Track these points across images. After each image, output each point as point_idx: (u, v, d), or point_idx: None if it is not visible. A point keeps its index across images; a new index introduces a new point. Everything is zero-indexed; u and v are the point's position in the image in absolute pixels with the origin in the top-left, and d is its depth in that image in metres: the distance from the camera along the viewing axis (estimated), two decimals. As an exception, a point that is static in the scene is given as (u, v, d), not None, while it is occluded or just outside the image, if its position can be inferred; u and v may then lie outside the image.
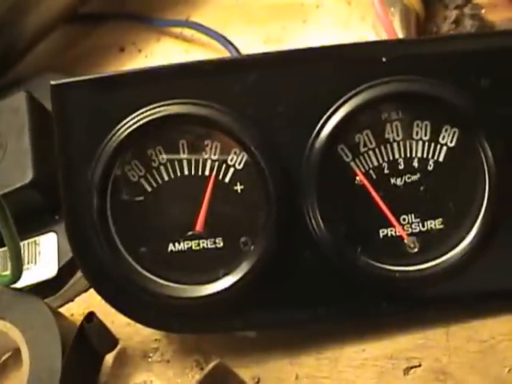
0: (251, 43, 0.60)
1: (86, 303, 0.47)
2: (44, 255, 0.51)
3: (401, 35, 0.54)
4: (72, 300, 0.49)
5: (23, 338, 0.42)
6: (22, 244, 0.52)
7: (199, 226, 0.38)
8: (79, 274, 0.51)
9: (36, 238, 0.52)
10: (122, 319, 0.43)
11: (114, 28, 0.65)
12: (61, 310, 0.47)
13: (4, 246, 0.53)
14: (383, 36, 0.54)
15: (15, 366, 0.46)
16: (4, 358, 0.46)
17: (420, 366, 0.38)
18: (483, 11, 0.58)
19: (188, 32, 0.62)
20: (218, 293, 0.37)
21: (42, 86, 0.60)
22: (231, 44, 0.57)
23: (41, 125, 0.55)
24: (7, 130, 0.53)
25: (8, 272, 0.50)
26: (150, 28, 0.64)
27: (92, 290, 0.48)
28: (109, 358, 0.43)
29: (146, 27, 0.64)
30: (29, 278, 0.49)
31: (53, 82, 0.39)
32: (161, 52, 0.63)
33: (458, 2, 0.58)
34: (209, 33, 0.60)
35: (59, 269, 0.50)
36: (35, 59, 0.63)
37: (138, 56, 0.63)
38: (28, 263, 0.50)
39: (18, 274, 0.42)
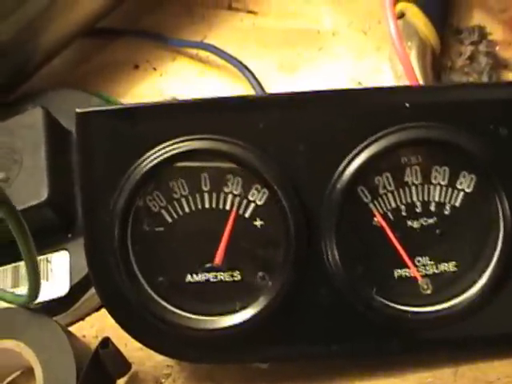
0: (266, 68, 0.61)
1: (99, 324, 0.48)
2: (56, 273, 0.52)
3: (417, 69, 0.55)
4: (82, 319, 0.50)
5: (37, 360, 0.43)
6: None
7: (218, 259, 0.39)
8: (90, 292, 0.52)
9: (48, 256, 0.52)
10: (135, 343, 0.44)
11: (129, 44, 0.66)
12: (72, 329, 0.48)
13: (14, 261, 0.55)
14: (399, 69, 0.56)
15: None
16: (15, 375, 0.48)
17: None
18: (497, 48, 0.60)
19: (204, 53, 0.63)
20: (235, 326, 0.39)
21: (56, 101, 0.61)
22: (247, 68, 0.58)
23: (56, 142, 0.56)
24: (23, 146, 0.54)
25: (22, 291, 0.51)
26: (166, 47, 0.65)
27: (104, 311, 0.49)
28: (120, 382, 0.44)
29: (161, 45, 0.65)
30: (40, 295, 0.50)
31: (78, 110, 0.40)
32: (175, 71, 0.64)
33: (473, 39, 0.60)
34: (224, 56, 0.61)
35: (71, 287, 0.51)
36: (49, 72, 0.64)
37: (153, 74, 0.64)
38: (43, 279, 0.51)
39: (34, 294, 0.43)
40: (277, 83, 0.60)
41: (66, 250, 0.52)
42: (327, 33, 0.63)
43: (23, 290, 0.52)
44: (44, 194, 0.51)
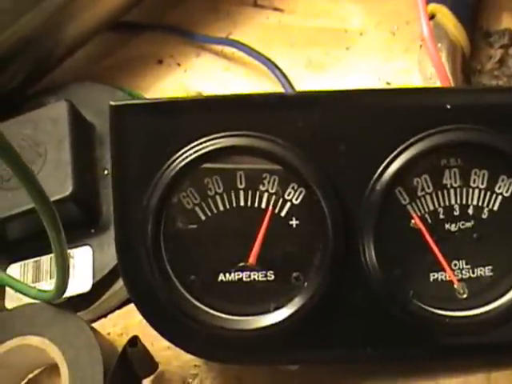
0: (292, 66, 0.62)
1: (123, 322, 0.47)
2: (78, 268, 0.52)
3: (448, 70, 0.55)
4: (105, 316, 0.50)
5: (63, 357, 0.42)
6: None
7: (252, 259, 0.39)
8: (113, 289, 0.52)
9: (70, 251, 0.52)
10: (161, 342, 0.44)
11: (153, 39, 0.67)
12: (94, 326, 0.48)
13: (33, 257, 0.55)
14: (429, 71, 0.56)
15: (48, 382, 0.47)
16: (37, 372, 0.48)
17: None
18: None
19: (229, 50, 0.64)
20: (268, 327, 0.38)
21: (79, 94, 0.61)
22: (276, 66, 0.59)
23: (80, 135, 0.56)
24: (47, 140, 0.54)
25: (43, 286, 0.50)
26: (190, 42, 0.66)
27: (128, 309, 0.49)
28: (146, 382, 0.44)
29: (185, 41, 0.66)
30: (63, 291, 0.50)
31: (112, 103, 0.39)
32: (200, 67, 0.64)
33: (503, 42, 0.61)
34: (250, 53, 0.62)
35: (93, 283, 0.51)
36: (72, 65, 0.64)
37: (177, 69, 0.65)
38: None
39: (61, 292, 0.43)
40: (304, 82, 0.61)
41: (89, 245, 0.52)
42: (355, 32, 0.64)
43: (45, 284, 0.53)
44: (68, 189, 0.51)
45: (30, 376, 0.47)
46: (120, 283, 0.52)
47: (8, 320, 0.45)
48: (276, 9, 0.67)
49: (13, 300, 0.51)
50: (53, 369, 0.46)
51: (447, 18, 0.58)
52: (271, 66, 0.59)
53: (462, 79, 0.56)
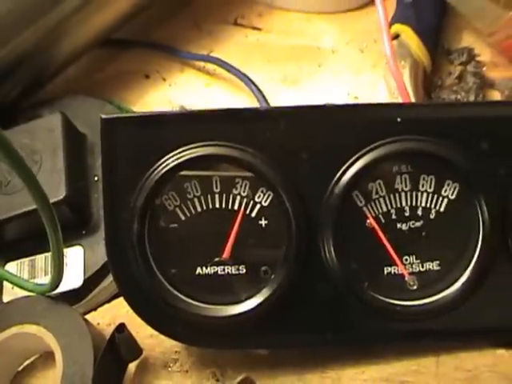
0: (269, 81, 0.67)
1: (111, 314, 0.52)
2: (70, 266, 0.57)
3: (409, 86, 0.61)
4: (95, 309, 0.54)
5: (57, 344, 0.47)
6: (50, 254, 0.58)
7: (226, 254, 0.44)
8: (102, 285, 0.57)
9: (63, 250, 0.57)
10: (145, 331, 0.49)
11: (140, 55, 0.72)
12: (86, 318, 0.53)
13: (28, 256, 0.59)
14: (393, 85, 0.61)
15: (43, 367, 0.51)
16: (33, 358, 0.52)
17: None
18: (484, 69, 0.66)
19: (210, 66, 0.69)
20: (240, 314, 0.43)
21: (72, 106, 0.65)
22: (252, 82, 0.64)
23: (73, 145, 0.61)
24: (42, 148, 0.59)
25: (43, 281, 0.55)
26: (175, 58, 0.70)
27: (116, 302, 0.54)
28: (132, 366, 0.48)
29: (170, 57, 0.71)
30: (56, 286, 0.55)
31: (103, 116, 0.45)
32: (183, 82, 0.69)
33: (462, 59, 0.66)
34: (230, 69, 0.66)
35: (84, 280, 0.56)
36: (64, 79, 0.69)
37: (162, 84, 0.69)
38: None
39: (56, 284, 0.48)
40: (279, 96, 0.65)
41: (80, 245, 0.57)
42: (327, 50, 0.69)
43: (40, 281, 0.57)
44: (62, 193, 0.56)
45: (27, 362, 0.52)
46: (108, 279, 0.56)
47: (6, 310, 0.50)
48: (254, 28, 0.72)
49: (10, 295, 0.55)
50: (47, 355, 0.51)
51: (411, 38, 0.64)
52: (248, 81, 0.64)
53: (423, 94, 0.62)
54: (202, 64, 0.70)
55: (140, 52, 0.72)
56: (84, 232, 0.57)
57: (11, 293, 0.56)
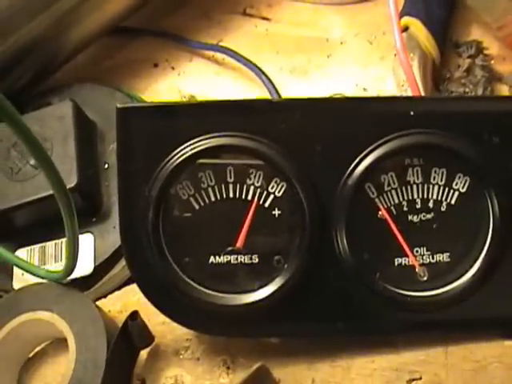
0: (278, 71, 0.68)
1: (122, 302, 0.53)
2: (81, 253, 0.57)
3: (418, 79, 0.61)
4: (104, 296, 0.55)
5: (70, 330, 0.48)
6: (61, 241, 0.59)
7: (239, 243, 0.45)
8: (112, 272, 0.58)
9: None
10: (157, 318, 0.50)
11: (150, 44, 0.72)
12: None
13: (39, 243, 0.60)
14: (401, 78, 0.62)
15: (54, 353, 0.53)
16: (44, 344, 0.53)
17: (421, 378, 0.45)
18: (493, 62, 0.66)
19: (219, 55, 0.69)
20: (252, 303, 0.44)
21: (81, 94, 0.66)
22: (262, 72, 0.64)
23: (84, 132, 0.61)
24: (53, 136, 0.59)
25: (53, 268, 0.56)
26: (184, 48, 0.71)
27: (126, 290, 0.55)
28: (143, 353, 0.49)
29: (179, 46, 0.71)
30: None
31: (119, 106, 0.45)
32: (193, 71, 0.70)
33: (470, 52, 0.65)
34: (239, 59, 0.67)
35: (95, 267, 0.57)
36: (73, 67, 0.70)
37: (171, 73, 0.70)
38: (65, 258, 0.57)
39: (70, 271, 0.49)
40: (288, 87, 0.66)
41: (90, 232, 0.58)
42: (335, 41, 0.69)
43: (50, 268, 0.58)
44: (73, 180, 0.56)
45: (38, 349, 0.53)
46: (118, 267, 0.57)
47: (19, 297, 0.51)
48: (264, 18, 0.72)
49: (20, 281, 0.56)
50: (58, 342, 0.52)
51: (420, 31, 0.64)
52: (258, 71, 0.65)
53: (431, 86, 0.62)
54: (210, 53, 0.70)
55: (149, 41, 0.72)
56: (94, 219, 0.58)
57: (21, 279, 0.57)
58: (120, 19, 0.68)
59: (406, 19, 0.65)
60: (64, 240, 0.58)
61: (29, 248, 0.58)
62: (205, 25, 0.72)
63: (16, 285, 0.57)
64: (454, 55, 0.66)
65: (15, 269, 0.57)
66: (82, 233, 0.58)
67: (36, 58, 0.65)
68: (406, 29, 0.65)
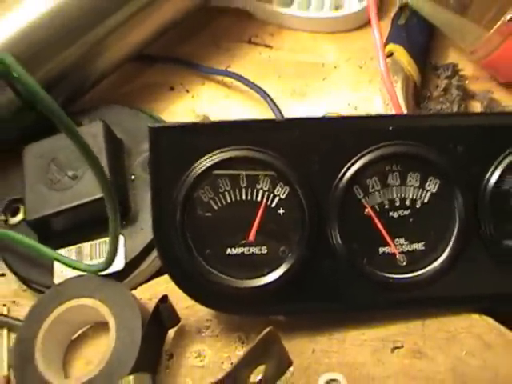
0: (280, 93, 0.77)
1: (150, 292, 0.64)
2: (114, 252, 0.69)
3: (401, 98, 0.72)
4: (135, 288, 0.66)
5: (110, 313, 0.59)
6: (95, 242, 0.70)
7: (251, 237, 0.56)
8: (141, 268, 0.68)
9: (107, 239, 0.69)
10: (182, 303, 0.60)
11: (166, 69, 0.82)
12: (128, 295, 0.64)
13: (75, 244, 0.71)
14: (387, 97, 0.73)
15: (94, 336, 0.62)
16: (85, 328, 0.63)
17: (403, 347, 0.56)
18: (467, 82, 0.75)
19: (228, 80, 0.79)
20: (262, 286, 0.55)
21: (109, 115, 0.75)
22: (267, 94, 0.74)
23: (113, 148, 0.71)
24: (96, 150, 0.70)
25: (92, 262, 0.67)
26: (197, 73, 0.81)
27: (153, 282, 0.65)
28: (171, 332, 0.59)
29: (193, 71, 0.81)
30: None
31: (151, 125, 0.56)
32: (205, 94, 0.80)
33: (447, 74, 0.74)
34: (247, 83, 0.76)
35: (125, 263, 0.66)
36: (99, 91, 0.79)
37: (186, 95, 0.80)
38: (102, 257, 0.68)
39: (110, 263, 0.60)
40: (289, 107, 0.75)
41: (121, 234, 0.68)
42: (330, 66, 0.80)
43: (87, 265, 0.69)
44: None
45: (79, 332, 0.63)
46: (146, 263, 0.68)
47: (64, 287, 0.61)
48: (267, 46, 0.82)
49: (60, 278, 0.66)
50: (97, 326, 0.62)
51: (403, 56, 0.74)
52: (263, 93, 0.74)
53: (413, 104, 0.73)
54: (221, 78, 0.80)
55: (165, 66, 0.82)
56: (124, 223, 0.68)
57: (61, 276, 0.66)
58: (140, 48, 0.78)
59: (391, 46, 0.74)
60: (98, 241, 0.69)
61: (67, 249, 0.68)
62: (215, 52, 0.83)
63: (56, 281, 0.67)
64: (433, 76, 0.76)
65: (55, 266, 0.67)
66: None
67: (68, 83, 0.74)
68: (390, 54, 0.74)
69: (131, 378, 0.45)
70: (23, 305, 0.71)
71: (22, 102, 0.72)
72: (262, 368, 0.49)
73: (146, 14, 0.76)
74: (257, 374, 0.49)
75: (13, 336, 0.68)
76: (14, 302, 0.71)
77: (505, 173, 0.55)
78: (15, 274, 0.70)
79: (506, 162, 0.55)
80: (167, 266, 0.57)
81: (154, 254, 0.68)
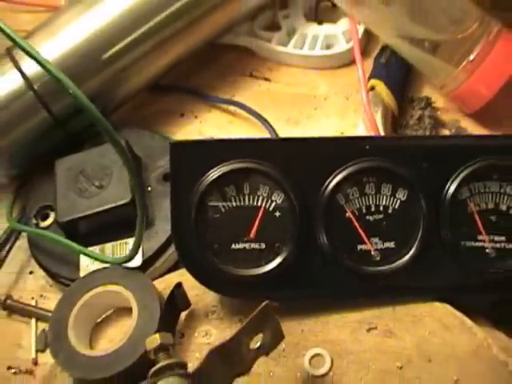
0: (277, 121, 0.88)
1: (165, 283, 0.77)
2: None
3: (380, 126, 0.87)
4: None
5: (133, 298, 0.72)
6: (117, 243, 0.83)
7: (252, 235, 0.69)
8: (155, 265, 0.81)
9: (127, 240, 0.79)
10: (191, 292, 0.70)
11: (177, 98, 0.94)
12: (145, 287, 0.78)
13: (99, 244, 0.84)
14: (368, 125, 0.88)
15: (116, 319, 0.73)
16: (109, 312, 0.74)
17: (376, 328, 0.66)
18: (438, 112, 0.87)
19: (232, 108, 0.91)
20: (260, 274, 0.67)
21: (129, 135, 0.86)
22: (266, 121, 0.87)
23: (133, 163, 0.86)
24: (112, 165, 0.80)
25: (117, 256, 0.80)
26: (204, 101, 0.92)
27: (166, 277, 0.79)
28: (182, 315, 0.68)
29: (201, 100, 0.92)
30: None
31: (171, 142, 0.69)
32: (211, 120, 0.91)
33: (421, 105, 0.85)
34: (248, 110, 0.88)
35: (142, 261, 0.77)
36: (119, 115, 0.92)
37: (195, 121, 0.92)
38: (121, 255, 0.81)
39: (132, 257, 0.74)
40: (285, 132, 0.87)
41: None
42: (321, 97, 0.92)
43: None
44: (128, 197, 0.78)
45: (104, 316, 0.74)
46: (160, 262, 0.80)
47: (92, 277, 0.74)
48: (266, 79, 0.94)
49: (85, 271, 0.76)
50: (120, 311, 0.74)
51: (382, 90, 0.84)
52: (263, 120, 0.86)
53: (391, 131, 0.86)
54: (225, 106, 0.91)
55: (177, 95, 0.94)
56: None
57: (86, 270, 0.78)
58: (157, 79, 0.92)
59: (373, 81, 0.86)
60: (119, 242, 0.82)
61: (91, 248, 0.80)
62: (220, 84, 0.95)
63: (82, 275, 0.75)
64: (409, 107, 0.87)
65: (81, 261, 0.78)
66: (132, 236, 0.83)
67: (95, 105, 0.90)
68: (372, 88, 0.85)
69: (157, 335, 0.59)
70: (49, 298, 0.83)
71: (54, 120, 0.86)
72: (260, 337, 0.63)
73: (163, 50, 0.89)
74: (256, 342, 0.63)
75: (40, 325, 0.82)
76: (42, 295, 0.84)
77: (461, 185, 0.68)
78: (44, 269, 0.82)
79: (461, 175, 0.68)
80: (183, 258, 0.71)
81: (167, 254, 0.81)
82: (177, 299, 0.71)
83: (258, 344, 0.62)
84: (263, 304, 0.61)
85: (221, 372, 0.60)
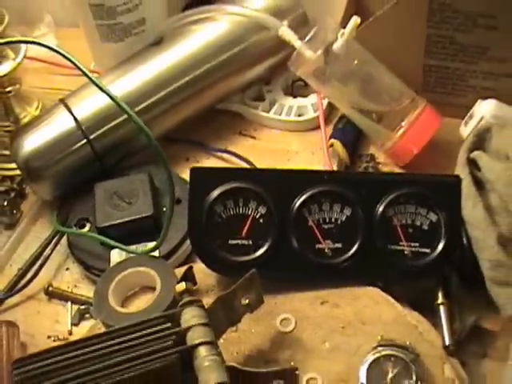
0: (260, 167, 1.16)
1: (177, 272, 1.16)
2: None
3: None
4: (165, 273, 1.16)
5: (158, 276, 1.05)
6: (138, 246, 1.21)
7: (244, 234, 1.08)
8: (169, 262, 1.20)
9: (146, 244, 1.05)
10: (197, 275, 1.03)
11: (183, 147, 1.23)
12: (161, 276, 1.15)
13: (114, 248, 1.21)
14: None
15: (141, 295, 1.00)
16: (136, 289, 1.02)
17: (328, 302, 0.97)
18: (380, 165, 1.13)
19: (226, 156, 1.20)
20: (250, 260, 1.05)
21: (149, 170, 1.15)
22: (251, 164, 1.16)
23: (153, 190, 1.22)
24: (137, 190, 1.08)
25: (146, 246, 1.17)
26: (204, 150, 1.22)
27: (177, 270, 1.19)
28: None
29: (201, 149, 1.22)
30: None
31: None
32: (210, 164, 1.18)
33: (367, 159, 1.11)
34: (237, 158, 1.18)
35: (165, 254, 1.07)
36: (140, 156, 1.20)
37: (196, 164, 1.17)
38: (143, 254, 1.18)
39: (156, 249, 1.13)
40: None
41: (155, 241, 1.05)
42: (293, 152, 1.21)
43: (133, 260, 1.20)
44: (151, 211, 1.09)
45: (131, 292, 1.02)
46: (171, 260, 1.21)
47: (125, 262, 1.05)
48: (252, 137, 1.25)
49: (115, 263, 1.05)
50: (144, 289, 1.00)
51: (339, 147, 1.11)
52: (250, 165, 1.15)
53: None
54: (220, 154, 1.21)
55: (182, 145, 1.23)
56: (158, 235, 1.21)
57: (115, 262, 1.06)
58: (167, 133, 1.20)
59: (332, 140, 1.13)
60: (141, 245, 1.20)
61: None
62: (217, 138, 1.25)
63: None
64: (358, 161, 1.15)
65: (112, 255, 1.05)
66: (150, 241, 1.12)
67: (123, 147, 1.21)
68: (331, 145, 1.13)
69: (183, 283, 0.98)
70: (81, 288, 1.10)
71: (94, 155, 1.24)
72: (248, 297, 1.02)
73: (175, 112, 1.22)
74: (245, 300, 1.02)
75: (74, 306, 1.09)
76: (76, 285, 1.12)
77: (387, 206, 1.08)
78: (81, 263, 1.10)
79: (388, 199, 1.08)
80: (196, 249, 1.08)
81: (176, 255, 1.13)
82: (188, 277, 1.10)
83: (247, 301, 1.01)
84: (251, 271, 1.01)
85: (221, 316, 0.99)
